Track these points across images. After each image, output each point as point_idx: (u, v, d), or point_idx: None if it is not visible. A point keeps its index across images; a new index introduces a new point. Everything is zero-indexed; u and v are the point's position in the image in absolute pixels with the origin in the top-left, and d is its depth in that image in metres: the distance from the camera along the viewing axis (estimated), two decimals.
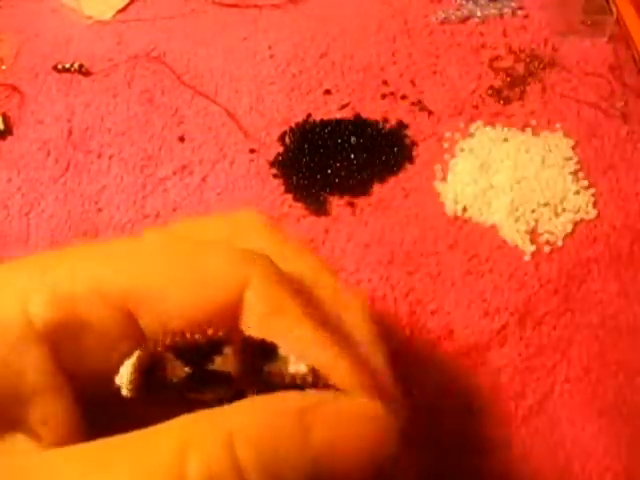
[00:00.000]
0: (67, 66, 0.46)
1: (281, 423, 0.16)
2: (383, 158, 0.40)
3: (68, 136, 0.42)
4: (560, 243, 0.36)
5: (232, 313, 0.19)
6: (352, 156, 0.40)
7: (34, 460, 0.17)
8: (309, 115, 0.42)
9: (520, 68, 0.44)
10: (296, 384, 0.18)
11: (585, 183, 0.39)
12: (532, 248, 0.36)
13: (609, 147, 0.40)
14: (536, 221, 0.37)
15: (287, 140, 0.41)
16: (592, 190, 0.38)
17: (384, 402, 0.18)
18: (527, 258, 0.36)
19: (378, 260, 0.36)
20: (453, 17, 0.48)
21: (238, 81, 0.45)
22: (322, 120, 0.42)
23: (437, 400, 0.31)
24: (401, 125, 0.42)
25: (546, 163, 0.39)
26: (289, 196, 0.39)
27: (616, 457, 0.29)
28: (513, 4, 0.48)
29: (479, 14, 0.48)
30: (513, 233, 0.36)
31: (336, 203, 0.38)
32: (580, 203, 0.37)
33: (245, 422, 0.16)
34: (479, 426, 0.30)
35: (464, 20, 0.48)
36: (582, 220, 0.37)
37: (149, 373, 0.18)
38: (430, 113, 0.42)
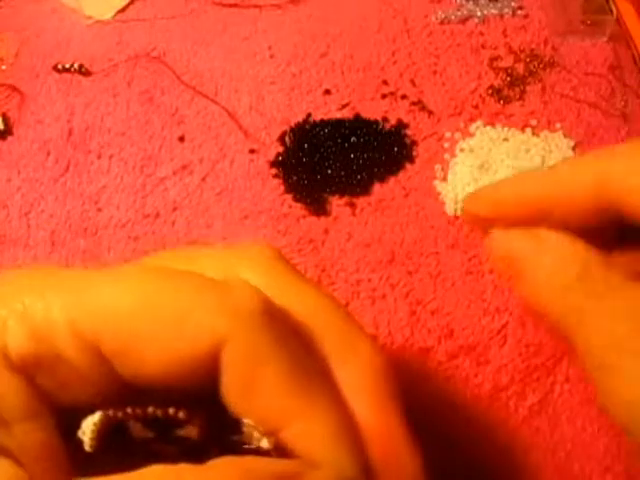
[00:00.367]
0: (67, 66, 0.46)
1: None
2: (383, 158, 0.40)
3: (68, 136, 0.42)
4: None
5: (208, 367, 0.18)
6: (352, 156, 0.40)
7: None
8: (309, 115, 0.42)
9: (520, 68, 0.44)
10: (259, 455, 0.18)
11: None
12: None
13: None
14: None
15: (287, 140, 0.41)
16: None
17: (378, 462, 0.18)
18: None
19: (378, 260, 0.36)
20: (453, 17, 0.48)
21: (238, 81, 0.45)
22: (322, 120, 0.42)
23: (437, 400, 0.31)
24: (401, 125, 0.42)
25: (546, 163, 0.39)
26: (289, 196, 0.39)
27: (616, 457, 0.29)
28: (513, 4, 0.48)
29: (479, 14, 0.47)
30: None
31: (336, 203, 0.38)
32: None
33: None
34: (479, 426, 0.30)
35: (464, 20, 0.48)
36: None
37: (112, 432, 0.18)
38: (430, 113, 0.42)
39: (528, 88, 0.43)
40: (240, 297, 0.19)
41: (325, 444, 0.18)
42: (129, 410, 0.18)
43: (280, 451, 0.18)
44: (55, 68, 0.46)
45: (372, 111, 0.42)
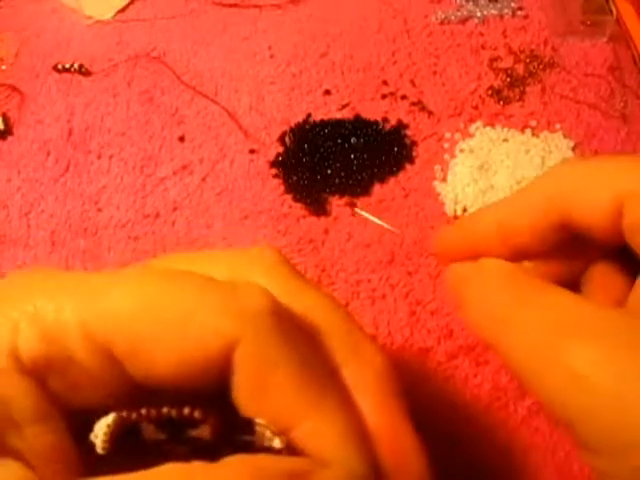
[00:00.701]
0: (67, 66, 0.46)
1: None
2: (383, 158, 0.40)
3: (68, 136, 0.42)
4: None
5: (219, 368, 0.18)
6: (352, 156, 0.40)
7: None
8: (309, 115, 0.42)
9: (520, 69, 0.44)
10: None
11: None
12: None
13: (609, 148, 0.40)
14: None
15: (287, 140, 0.41)
16: None
17: (389, 461, 0.19)
18: None
19: (378, 260, 0.36)
20: (453, 17, 0.48)
21: (238, 81, 0.45)
22: (322, 120, 0.42)
23: (436, 400, 0.31)
24: (401, 125, 0.42)
25: (546, 164, 0.39)
26: (289, 196, 0.39)
27: None
28: (513, 5, 0.48)
29: (479, 14, 0.48)
30: None
31: (336, 203, 0.38)
32: None
33: (230, 478, 0.16)
34: (478, 426, 0.30)
35: (464, 20, 0.48)
36: None
37: (124, 433, 0.18)
38: (430, 113, 0.42)
39: (528, 89, 0.43)
40: (248, 298, 0.19)
41: (335, 443, 0.18)
42: (143, 411, 0.18)
43: (292, 451, 0.18)
44: (55, 68, 0.46)
45: (372, 111, 0.42)
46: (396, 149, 0.40)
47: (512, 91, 0.43)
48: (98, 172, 0.41)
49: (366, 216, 0.35)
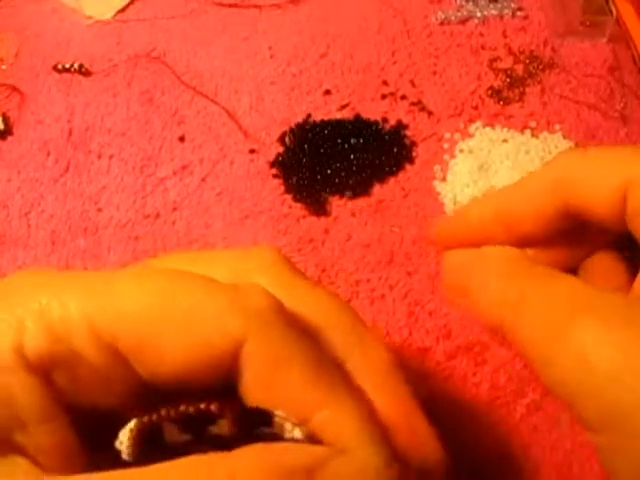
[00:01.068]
0: (67, 66, 0.46)
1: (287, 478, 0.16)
2: (383, 158, 0.40)
3: (68, 136, 0.43)
4: None
5: (227, 366, 0.18)
6: (352, 156, 0.40)
7: None
8: (309, 115, 0.42)
9: (519, 69, 0.44)
10: None
11: None
12: None
13: None
14: None
15: (287, 140, 0.41)
16: None
17: (402, 451, 0.19)
18: None
19: (377, 260, 0.36)
20: (453, 18, 0.48)
21: (238, 81, 0.45)
22: (322, 120, 0.42)
23: (435, 400, 0.31)
24: (401, 125, 0.42)
25: None
26: (289, 196, 0.39)
27: None
28: (513, 5, 0.48)
29: (479, 15, 0.48)
30: None
31: (336, 203, 0.39)
32: None
33: (249, 467, 0.16)
34: (477, 425, 0.30)
35: (464, 21, 0.48)
36: None
37: (148, 438, 0.18)
38: (430, 113, 0.42)
39: (528, 89, 0.43)
40: (251, 297, 0.19)
41: (352, 429, 0.18)
42: (162, 412, 0.18)
43: (312, 440, 0.18)
44: (55, 68, 0.46)
45: (372, 111, 0.42)
46: (396, 149, 0.40)
47: (512, 91, 0.43)
48: (98, 172, 0.41)
49: None
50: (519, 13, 0.48)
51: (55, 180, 0.40)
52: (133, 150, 0.42)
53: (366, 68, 0.45)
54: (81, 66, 0.46)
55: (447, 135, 0.41)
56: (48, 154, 0.42)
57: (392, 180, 0.39)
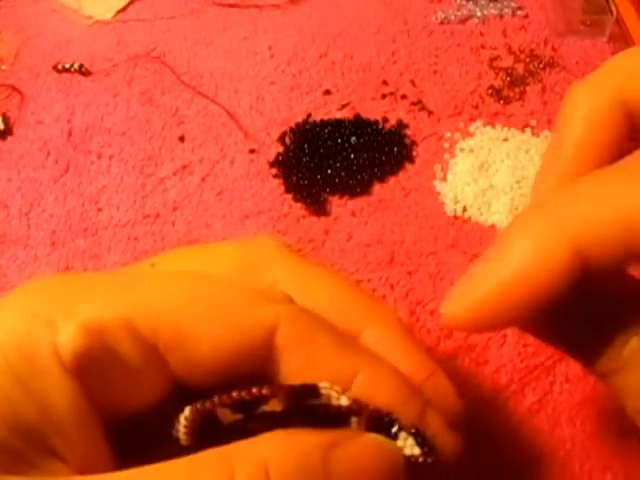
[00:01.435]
0: (67, 66, 0.46)
1: (309, 459, 0.17)
2: (383, 158, 0.40)
3: (68, 136, 0.43)
4: None
5: (262, 355, 0.19)
6: (352, 156, 0.40)
7: None
8: (309, 115, 0.42)
9: (520, 68, 0.44)
10: (342, 413, 0.19)
11: None
12: None
13: None
14: None
15: (287, 140, 0.41)
16: None
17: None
18: None
19: (378, 260, 0.36)
20: (453, 17, 0.48)
21: (238, 81, 0.45)
22: (322, 120, 0.42)
23: None
24: (401, 125, 0.42)
25: None
26: (289, 196, 0.39)
27: (615, 456, 0.29)
28: (513, 4, 0.48)
29: (479, 14, 0.48)
30: None
31: (336, 203, 0.38)
32: None
33: (279, 453, 0.17)
34: (478, 426, 0.30)
35: (464, 20, 0.48)
36: None
37: (203, 422, 0.19)
38: (430, 113, 0.42)
39: (528, 88, 0.43)
40: (270, 289, 0.20)
41: (390, 387, 0.20)
42: (215, 399, 0.18)
43: (359, 404, 0.19)
44: (55, 68, 0.46)
45: (372, 111, 0.42)
46: (396, 149, 0.40)
47: (512, 90, 0.43)
48: (98, 172, 0.41)
49: None
50: (519, 12, 0.48)
51: (55, 180, 0.40)
52: (133, 150, 0.42)
53: (366, 68, 0.45)
54: (81, 66, 0.46)
55: (447, 134, 0.41)
56: (48, 154, 0.42)
57: (392, 180, 0.39)
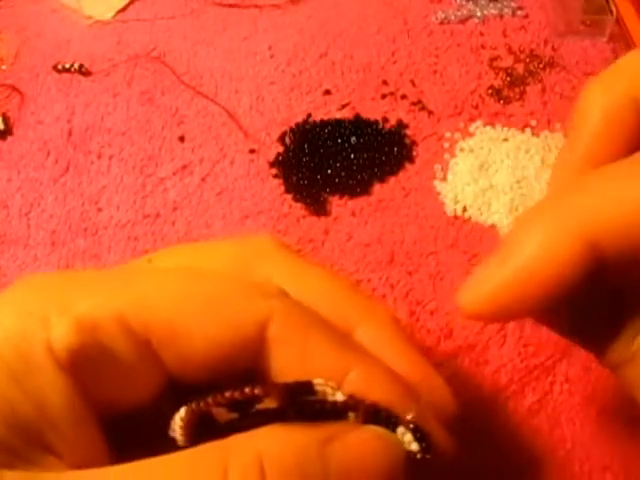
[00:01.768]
0: (67, 66, 0.46)
1: (306, 453, 0.17)
2: (383, 158, 0.40)
3: (68, 136, 0.43)
4: None
5: (255, 349, 0.19)
6: (352, 156, 0.40)
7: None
8: (309, 115, 0.42)
9: (520, 68, 0.44)
10: (339, 408, 0.19)
11: None
12: None
13: None
14: None
15: (287, 140, 0.41)
16: None
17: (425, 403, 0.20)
18: None
19: (378, 260, 0.36)
20: (453, 17, 0.48)
21: (238, 81, 0.45)
22: (322, 120, 0.42)
23: None
24: (401, 125, 0.42)
25: (546, 163, 0.39)
26: (289, 196, 0.39)
27: (615, 456, 0.29)
28: (513, 4, 0.48)
29: (479, 14, 0.48)
30: None
31: (336, 203, 0.38)
32: None
33: (275, 446, 0.17)
34: (478, 426, 0.30)
35: (464, 20, 0.48)
36: None
37: (199, 421, 0.19)
38: (430, 113, 0.42)
39: (528, 88, 0.43)
40: (264, 284, 0.20)
41: (383, 383, 0.19)
42: (210, 399, 0.18)
43: (353, 400, 0.19)
44: (55, 68, 0.46)
45: (372, 111, 0.42)
46: (396, 149, 0.40)
47: (512, 90, 0.43)
48: (98, 172, 0.41)
49: None
50: (519, 12, 0.48)
51: (55, 180, 0.40)
52: (133, 150, 0.42)
53: (366, 68, 0.45)
54: (81, 66, 0.46)
55: (447, 134, 0.41)
56: (48, 154, 0.42)
57: (392, 180, 0.39)
